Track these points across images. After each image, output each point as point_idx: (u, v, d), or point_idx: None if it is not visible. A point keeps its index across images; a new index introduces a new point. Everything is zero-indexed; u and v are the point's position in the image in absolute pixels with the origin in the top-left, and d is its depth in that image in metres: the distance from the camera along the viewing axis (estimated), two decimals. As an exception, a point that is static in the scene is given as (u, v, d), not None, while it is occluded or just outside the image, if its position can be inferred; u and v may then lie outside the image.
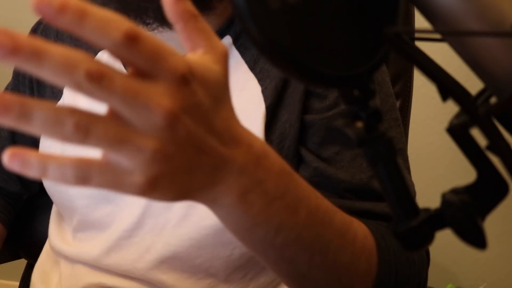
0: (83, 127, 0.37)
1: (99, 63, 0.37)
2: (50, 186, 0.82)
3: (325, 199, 0.56)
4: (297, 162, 0.74)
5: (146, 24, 0.72)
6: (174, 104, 0.39)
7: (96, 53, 0.83)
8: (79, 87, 0.36)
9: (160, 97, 0.38)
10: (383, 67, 0.79)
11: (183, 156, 0.41)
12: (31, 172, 0.38)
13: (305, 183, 0.53)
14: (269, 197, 0.48)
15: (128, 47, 0.37)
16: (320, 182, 0.72)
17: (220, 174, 0.45)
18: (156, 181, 0.40)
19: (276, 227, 0.50)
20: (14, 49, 0.34)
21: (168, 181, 0.41)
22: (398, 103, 1.00)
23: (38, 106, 0.36)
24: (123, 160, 0.39)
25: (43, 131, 0.38)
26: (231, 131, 0.45)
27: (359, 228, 0.60)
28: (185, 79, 0.39)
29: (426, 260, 0.70)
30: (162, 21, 0.71)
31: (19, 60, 0.35)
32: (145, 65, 0.38)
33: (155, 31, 0.73)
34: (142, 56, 0.38)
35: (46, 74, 0.36)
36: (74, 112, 0.37)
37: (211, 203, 0.47)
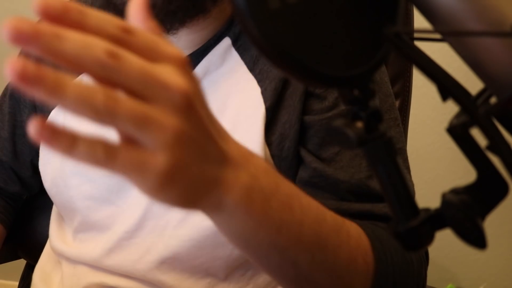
0: (111, 104, 0.36)
1: (115, 46, 0.37)
2: (51, 188, 0.82)
3: (313, 198, 0.56)
4: (297, 163, 0.74)
5: None
6: (189, 85, 0.39)
7: None
8: (100, 67, 0.36)
9: (174, 77, 0.38)
10: (382, 67, 0.79)
11: (198, 142, 0.41)
12: (59, 147, 0.37)
13: (290, 182, 0.53)
14: (265, 193, 0.48)
15: (124, 40, 0.37)
16: (319, 183, 0.72)
17: (223, 169, 0.44)
18: (176, 167, 0.39)
19: (277, 226, 0.49)
20: (35, 34, 0.34)
21: (183, 171, 0.40)
22: (397, 103, 1.00)
23: (71, 81, 0.35)
24: (148, 139, 0.38)
25: (73, 106, 0.36)
26: (222, 127, 0.46)
27: (352, 227, 0.60)
28: (188, 63, 0.40)
29: (424, 259, 0.70)
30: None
31: (41, 43, 0.35)
32: (145, 54, 0.38)
33: None
34: (140, 46, 0.38)
35: (68, 53, 0.35)
36: (102, 89, 0.36)
37: (215, 208, 0.46)
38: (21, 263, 1.09)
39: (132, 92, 0.37)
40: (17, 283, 1.07)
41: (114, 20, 0.37)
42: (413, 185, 0.77)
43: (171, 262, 0.73)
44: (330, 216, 0.57)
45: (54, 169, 0.81)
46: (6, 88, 0.93)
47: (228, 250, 0.72)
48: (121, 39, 0.37)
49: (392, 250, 0.63)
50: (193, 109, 0.39)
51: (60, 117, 0.82)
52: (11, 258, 1.07)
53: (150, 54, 0.38)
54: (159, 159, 0.38)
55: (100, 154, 0.37)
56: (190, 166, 0.41)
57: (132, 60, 0.37)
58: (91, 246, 0.77)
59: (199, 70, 0.76)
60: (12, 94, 0.90)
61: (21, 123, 0.90)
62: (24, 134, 0.90)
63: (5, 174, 0.92)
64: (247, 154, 0.48)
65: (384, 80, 0.78)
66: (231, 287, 0.74)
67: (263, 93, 0.74)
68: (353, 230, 0.60)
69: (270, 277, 0.57)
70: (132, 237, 0.74)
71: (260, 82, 0.75)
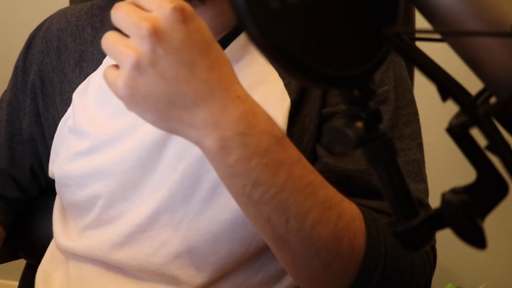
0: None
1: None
2: (60, 188, 0.81)
3: (316, 172, 0.59)
4: (314, 158, 0.73)
5: None
6: (160, 25, 0.50)
7: (103, 56, 0.82)
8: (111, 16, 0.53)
9: (150, 19, 0.51)
10: (402, 62, 0.79)
11: (159, 75, 0.51)
12: None
13: (296, 152, 0.58)
14: (248, 151, 0.53)
15: None
16: (329, 178, 0.71)
17: (196, 113, 0.52)
18: (131, 87, 0.52)
19: (253, 182, 0.54)
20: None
21: (144, 95, 0.52)
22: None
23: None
24: (118, 60, 0.52)
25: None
26: (220, 79, 0.53)
27: (349, 210, 0.61)
28: (178, 11, 0.51)
29: (430, 263, 0.69)
30: None
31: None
32: (145, 6, 0.52)
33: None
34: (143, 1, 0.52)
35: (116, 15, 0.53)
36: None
37: (196, 144, 0.54)
38: (21, 263, 1.08)
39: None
40: (17, 283, 1.07)
41: None
42: (427, 181, 0.76)
43: (187, 257, 0.72)
44: (325, 194, 0.59)
45: (60, 170, 0.80)
46: (4, 95, 0.92)
47: (245, 246, 0.71)
48: None
49: (391, 242, 0.63)
50: (159, 46, 0.51)
51: (69, 123, 0.82)
52: (11, 258, 1.07)
53: (147, 5, 0.52)
54: (119, 77, 0.52)
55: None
56: (147, 90, 0.52)
57: (122, 9, 0.52)
58: (100, 239, 0.76)
59: None
60: (10, 102, 0.89)
61: (20, 130, 0.89)
62: (23, 141, 0.89)
63: (3, 180, 0.92)
64: (244, 113, 0.54)
65: (403, 75, 0.78)
66: (239, 279, 0.74)
67: (286, 85, 0.73)
68: (349, 213, 0.61)
69: (253, 226, 0.60)
70: (145, 230, 0.73)
71: (282, 74, 0.74)
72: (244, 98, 0.55)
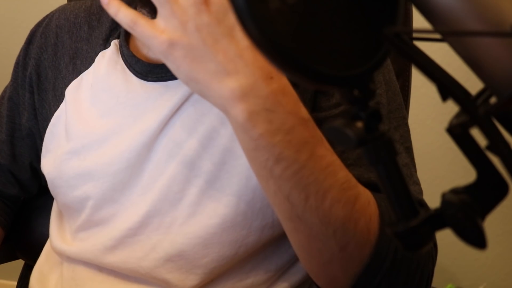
0: None
1: None
2: (53, 189, 0.82)
3: (335, 155, 0.60)
4: None
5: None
6: None
7: (96, 54, 0.82)
8: None
9: None
10: (390, 66, 0.79)
11: (200, 38, 0.54)
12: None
13: (319, 134, 0.59)
14: (273, 127, 0.55)
15: None
16: None
17: (230, 82, 0.54)
18: (174, 42, 0.54)
19: (276, 157, 0.56)
20: None
21: (184, 50, 0.54)
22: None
23: None
24: (165, 15, 0.55)
25: None
26: (256, 58, 0.55)
27: (364, 194, 0.62)
28: None
29: (433, 253, 0.70)
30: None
31: None
32: None
33: None
34: None
35: None
36: None
37: (224, 112, 0.56)
38: (20, 263, 1.08)
39: None
40: (15, 283, 1.07)
41: None
42: (419, 183, 0.76)
43: (177, 260, 0.72)
44: (344, 176, 0.60)
45: (53, 169, 0.80)
46: (5, 91, 0.92)
47: (234, 249, 0.71)
48: None
49: None
50: (202, 10, 0.53)
51: (62, 120, 0.82)
52: (9, 259, 1.07)
53: None
54: (164, 33, 0.54)
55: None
56: (188, 49, 0.54)
57: None
58: (93, 242, 0.77)
59: None
60: (10, 97, 0.90)
61: (20, 125, 0.89)
62: (23, 136, 0.89)
63: (4, 177, 0.92)
64: (274, 92, 0.55)
65: (393, 79, 0.78)
66: (230, 282, 0.73)
67: None
68: (365, 196, 0.62)
69: (272, 205, 0.61)
70: (136, 234, 0.74)
71: None
72: (277, 79, 0.56)
